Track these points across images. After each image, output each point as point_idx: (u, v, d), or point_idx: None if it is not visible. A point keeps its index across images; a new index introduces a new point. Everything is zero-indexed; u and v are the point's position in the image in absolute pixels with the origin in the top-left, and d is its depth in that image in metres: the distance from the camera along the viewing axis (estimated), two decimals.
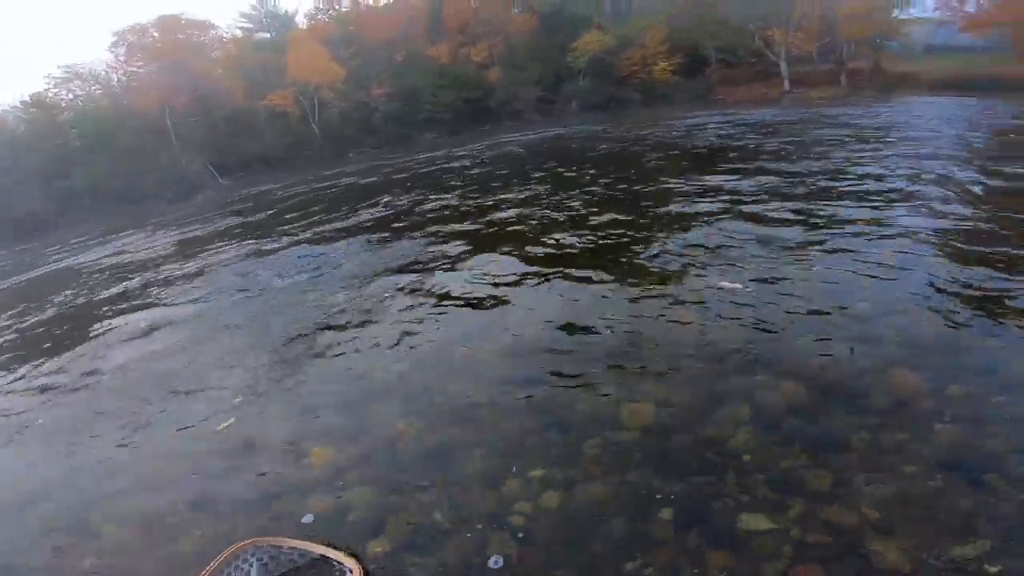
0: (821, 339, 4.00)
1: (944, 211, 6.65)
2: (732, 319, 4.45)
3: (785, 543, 2.38)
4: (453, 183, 14.45)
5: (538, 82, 35.38)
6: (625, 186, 10.40)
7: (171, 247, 13.55)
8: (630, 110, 32.64)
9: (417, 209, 11.24)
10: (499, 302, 5.60)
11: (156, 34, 33.96)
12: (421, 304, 5.91)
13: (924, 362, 3.57)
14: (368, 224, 10.81)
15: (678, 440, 3.12)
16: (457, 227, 8.89)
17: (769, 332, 4.16)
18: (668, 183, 9.90)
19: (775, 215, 7.11)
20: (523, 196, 10.60)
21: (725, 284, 4.89)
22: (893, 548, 2.29)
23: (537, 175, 13.10)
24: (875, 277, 4.87)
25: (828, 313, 4.35)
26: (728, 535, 2.46)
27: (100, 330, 7.27)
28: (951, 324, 4.03)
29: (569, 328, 4.67)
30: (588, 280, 5.68)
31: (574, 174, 12.39)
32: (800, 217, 6.93)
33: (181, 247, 13.20)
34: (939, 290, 4.54)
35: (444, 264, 7.13)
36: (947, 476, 2.62)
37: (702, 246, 6.22)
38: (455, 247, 7.76)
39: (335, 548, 2.54)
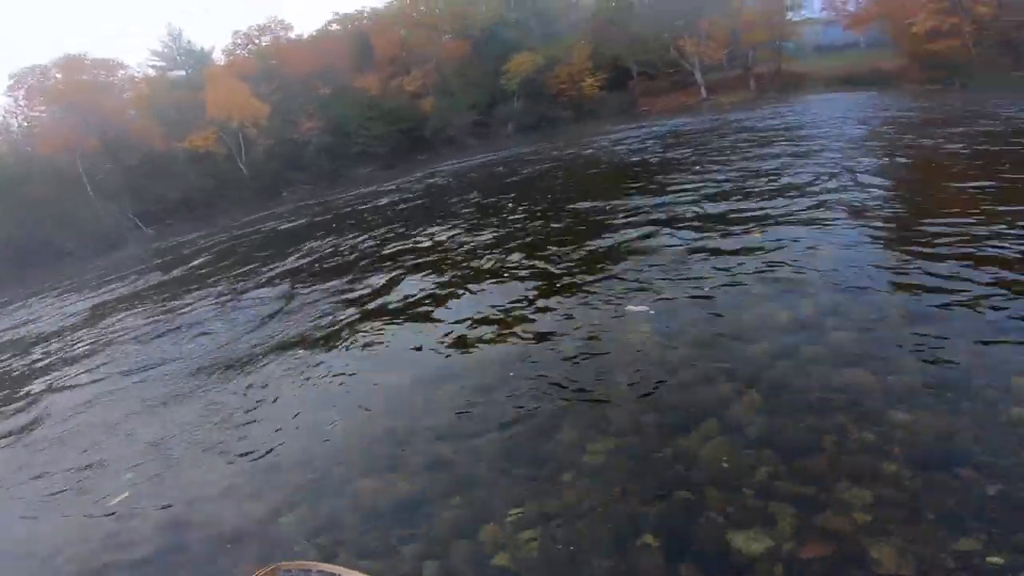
0: (757, 344, 4.00)
1: (851, 201, 7.00)
2: (649, 339, 4.42)
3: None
4: (376, 222, 14.19)
5: (473, 107, 35.78)
6: (543, 208, 10.54)
7: (80, 314, 12.53)
8: (561, 128, 33.55)
9: (333, 257, 10.83)
10: (406, 354, 5.44)
11: (59, 75, 31.93)
12: (332, 366, 5.66)
13: (867, 355, 3.60)
14: (285, 274, 10.36)
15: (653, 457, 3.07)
16: (372, 275, 8.58)
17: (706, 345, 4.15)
18: (585, 205, 9.96)
19: (689, 227, 7.18)
20: (441, 233, 10.43)
21: (631, 308, 4.87)
22: (893, 550, 2.29)
23: (459, 207, 13.09)
24: (794, 280, 4.94)
25: (762, 315, 4.39)
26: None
27: None
28: (884, 315, 4.11)
29: (489, 371, 4.53)
30: (503, 322, 5.60)
31: (493, 201, 12.47)
32: (715, 225, 7.03)
33: (91, 314, 12.22)
34: (868, 277, 4.71)
35: (354, 319, 6.88)
36: (921, 471, 2.64)
37: (614, 267, 6.20)
38: (370, 296, 7.51)
39: (364, 572, 2.53)
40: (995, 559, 2.17)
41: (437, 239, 9.93)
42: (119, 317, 10.80)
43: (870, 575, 2.21)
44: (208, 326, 8.19)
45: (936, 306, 4.05)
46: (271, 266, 11.59)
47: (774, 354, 3.87)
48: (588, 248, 7.23)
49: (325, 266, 10.20)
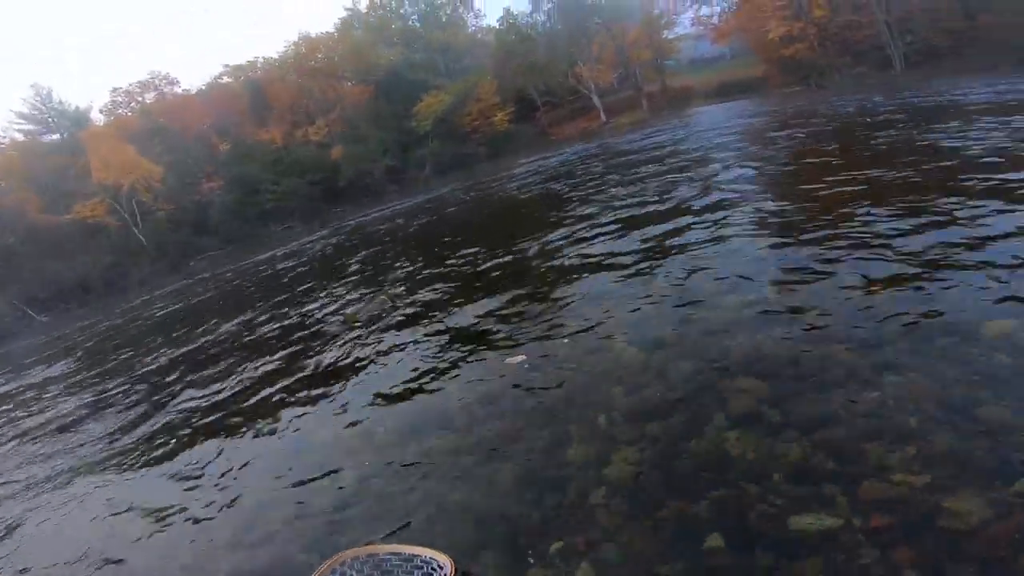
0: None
1: (744, 204, 7.45)
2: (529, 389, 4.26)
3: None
4: (272, 291, 13.49)
5: (386, 152, 35.28)
6: (440, 253, 10.33)
7: None
8: (478, 165, 34.01)
9: (216, 345, 9.77)
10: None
11: None
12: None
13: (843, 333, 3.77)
14: (168, 367, 9.29)
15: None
16: (232, 372, 7.60)
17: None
18: (488, 248, 9.71)
19: (586, 260, 7.08)
20: (331, 303, 9.63)
21: (509, 360, 4.64)
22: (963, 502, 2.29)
23: (351, 269, 12.47)
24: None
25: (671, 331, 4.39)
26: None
27: None
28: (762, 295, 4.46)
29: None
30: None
31: (389, 261, 11.97)
32: (615, 253, 6.99)
33: None
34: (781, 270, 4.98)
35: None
36: (945, 421, 2.70)
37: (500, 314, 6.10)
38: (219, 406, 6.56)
39: (426, 548, 2.57)
40: None
41: (321, 312, 9.17)
42: None
43: (947, 529, 2.22)
44: (87, 432, 7.05)
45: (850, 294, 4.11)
46: (159, 353, 10.55)
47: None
48: (479, 309, 6.69)
49: (198, 359, 9.07)
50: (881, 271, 4.55)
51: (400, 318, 7.33)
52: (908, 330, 3.64)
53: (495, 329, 5.76)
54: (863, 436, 2.80)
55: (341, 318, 8.35)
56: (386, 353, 6.28)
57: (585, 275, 6.62)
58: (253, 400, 6.21)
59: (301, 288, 12.29)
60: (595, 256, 7.18)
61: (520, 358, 4.59)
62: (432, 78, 38.91)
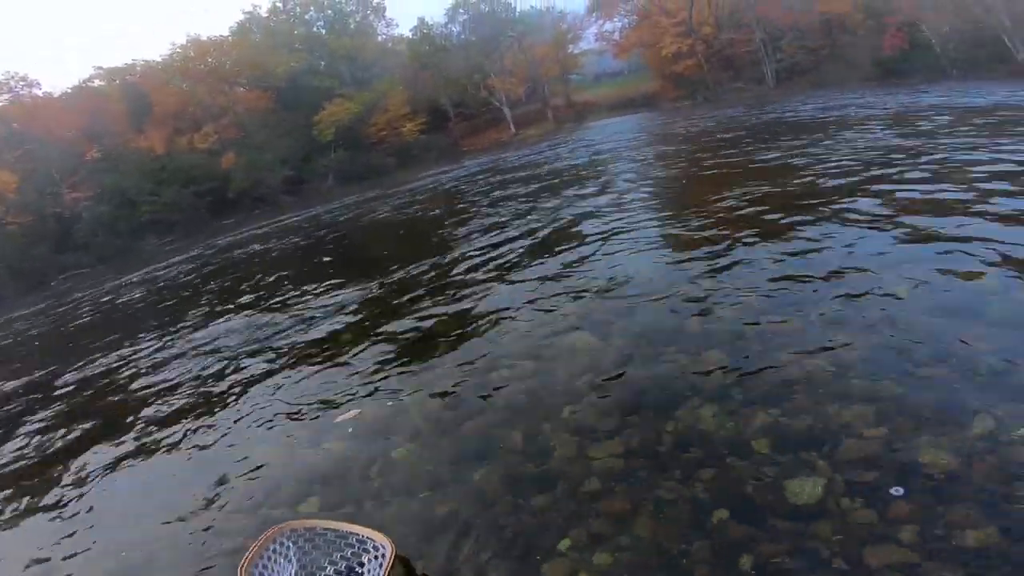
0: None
1: (639, 210, 7.84)
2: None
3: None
4: (115, 325, 11.61)
5: (284, 161, 33.29)
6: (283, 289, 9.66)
7: None
8: (387, 176, 32.99)
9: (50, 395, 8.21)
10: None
11: None
12: None
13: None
14: None
15: None
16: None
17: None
18: (375, 273, 8.65)
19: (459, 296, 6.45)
20: (169, 347, 7.97)
21: (340, 418, 4.31)
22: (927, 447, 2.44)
23: (214, 298, 10.84)
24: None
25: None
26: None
27: None
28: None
29: None
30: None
31: (254, 289, 10.63)
32: (508, 273, 6.70)
33: None
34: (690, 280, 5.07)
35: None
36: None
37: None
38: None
39: (368, 528, 2.51)
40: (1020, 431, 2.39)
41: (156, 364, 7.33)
42: None
43: (923, 475, 2.34)
44: None
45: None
46: None
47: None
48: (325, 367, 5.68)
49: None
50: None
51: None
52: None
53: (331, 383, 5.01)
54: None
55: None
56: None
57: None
58: None
59: (103, 341, 9.92)
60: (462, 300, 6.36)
61: (354, 412, 4.27)
62: (337, 86, 37.55)
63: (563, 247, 7.13)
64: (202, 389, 5.83)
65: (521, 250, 7.66)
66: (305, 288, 8.96)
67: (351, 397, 4.62)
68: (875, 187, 6.58)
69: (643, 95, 39.14)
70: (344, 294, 7.92)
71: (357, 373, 5.03)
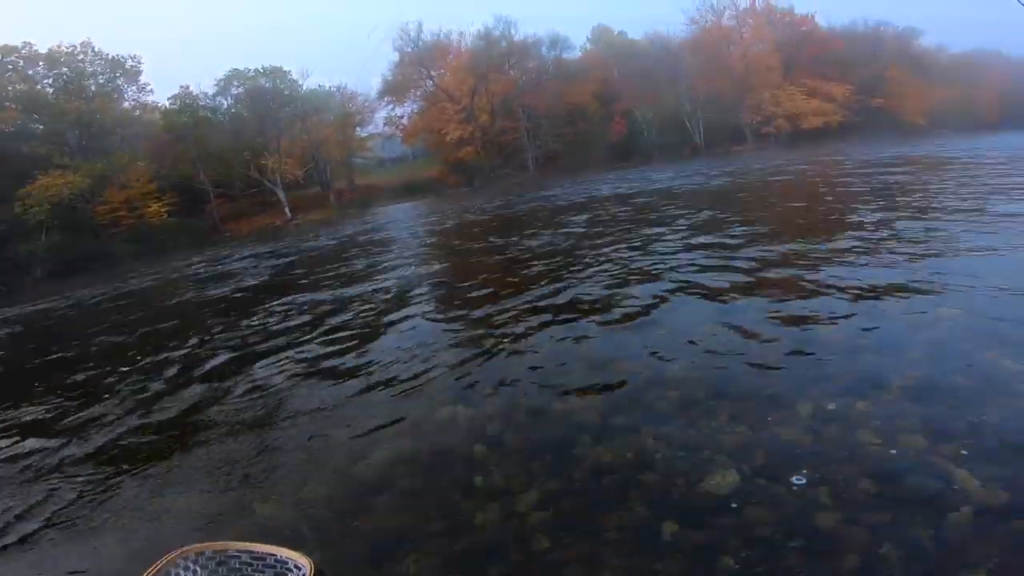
0: None
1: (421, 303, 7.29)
2: None
3: None
4: None
5: None
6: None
7: None
8: (120, 266, 27.77)
9: None
10: None
11: None
12: None
13: None
14: None
15: None
16: None
17: None
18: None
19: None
20: None
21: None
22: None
23: None
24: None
25: None
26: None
27: None
28: None
29: None
30: None
31: None
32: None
33: None
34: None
35: None
36: None
37: None
38: None
39: (284, 547, 2.24)
40: None
41: None
42: None
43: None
44: None
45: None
46: None
47: None
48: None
49: None
50: None
51: None
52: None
53: None
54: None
55: None
56: None
57: None
58: None
59: None
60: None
61: None
62: (57, 155, 31.40)
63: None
64: None
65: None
66: None
67: None
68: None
69: (426, 180, 41.36)
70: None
71: None
